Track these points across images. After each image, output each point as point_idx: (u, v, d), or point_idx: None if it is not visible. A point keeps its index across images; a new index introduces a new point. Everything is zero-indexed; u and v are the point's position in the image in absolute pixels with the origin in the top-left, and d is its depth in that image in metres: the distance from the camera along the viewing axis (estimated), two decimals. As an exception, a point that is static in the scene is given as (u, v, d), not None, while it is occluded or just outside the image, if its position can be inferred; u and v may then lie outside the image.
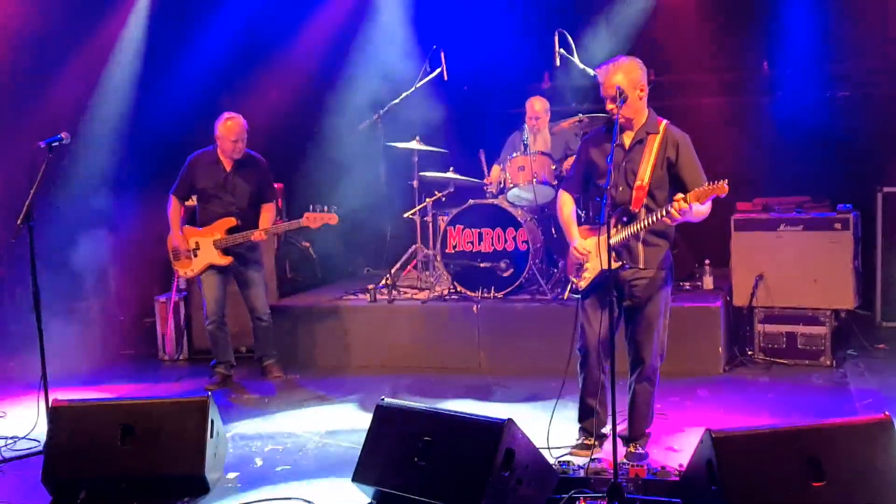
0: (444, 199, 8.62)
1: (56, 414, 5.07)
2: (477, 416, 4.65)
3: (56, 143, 5.99)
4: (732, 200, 7.92)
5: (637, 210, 4.97)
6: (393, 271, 8.52)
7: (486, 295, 7.79)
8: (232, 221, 7.16)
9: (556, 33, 7.84)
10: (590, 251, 5.13)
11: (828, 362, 7.21)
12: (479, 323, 7.65)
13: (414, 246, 8.74)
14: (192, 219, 7.43)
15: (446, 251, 8.03)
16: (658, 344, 5.15)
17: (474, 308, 7.67)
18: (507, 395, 6.87)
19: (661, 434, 5.68)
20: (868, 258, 7.93)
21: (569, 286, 5.77)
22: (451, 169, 8.52)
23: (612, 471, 4.55)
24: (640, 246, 5.05)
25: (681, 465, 4.70)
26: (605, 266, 4.64)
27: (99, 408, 5.16)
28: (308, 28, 9.96)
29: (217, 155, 7.20)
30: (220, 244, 7.14)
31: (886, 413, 4.17)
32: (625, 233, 4.98)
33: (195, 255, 7.22)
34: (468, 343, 7.68)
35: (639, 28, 9.08)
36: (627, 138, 5.06)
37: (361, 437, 4.84)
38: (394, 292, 8.27)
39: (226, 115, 7.17)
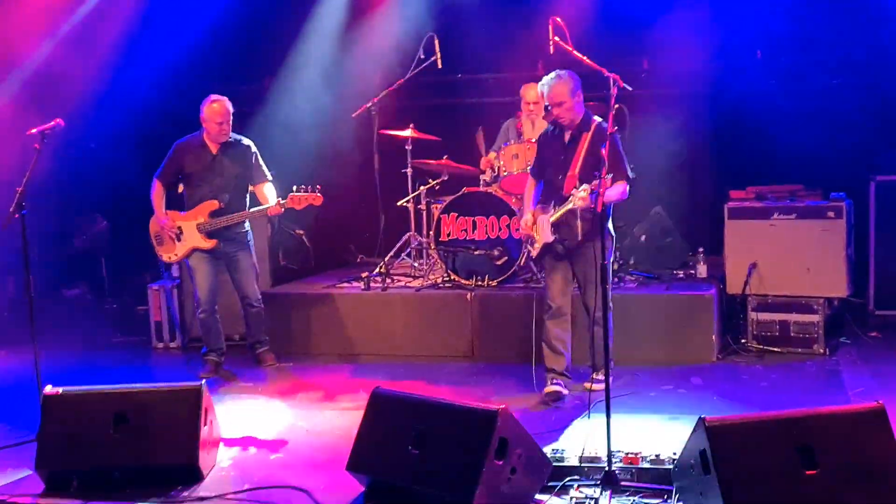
0: (437, 187, 8.61)
1: (48, 403, 5.05)
2: (471, 404, 4.65)
3: (49, 130, 5.96)
4: (726, 189, 7.95)
5: (568, 194, 5.89)
6: (386, 259, 8.51)
7: (479, 283, 7.79)
8: (215, 204, 7.12)
9: (551, 21, 7.81)
10: (532, 226, 6.21)
11: (821, 350, 7.23)
12: (473, 311, 7.65)
13: (408, 234, 8.73)
14: (177, 206, 7.36)
15: (440, 239, 8.02)
16: (600, 298, 5.54)
17: (468, 296, 7.67)
18: (501, 383, 6.87)
19: (654, 422, 5.69)
20: (861, 246, 7.94)
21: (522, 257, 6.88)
22: (445, 157, 8.51)
23: (605, 459, 4.57)
24: (579, 223, 5.97)
25: (674, 453, 4.70)
26: (546, 240, 6.10)
27: (91, 396, 5.14)
28: (301, 14, 9.91)
29: (203, 139, 7.17)
30: (204, 227, 7.10)
31: (879, 401, 4.18)
32: (559, 212, 5.99)
33: (178, 240, 7.18)
34: (462, 331, 7.68)
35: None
36: (567, 135, 6.11)
37: (355, 426, 4.84)
38: (387, 280, 8.26)
39: (211, 97, 7.13)
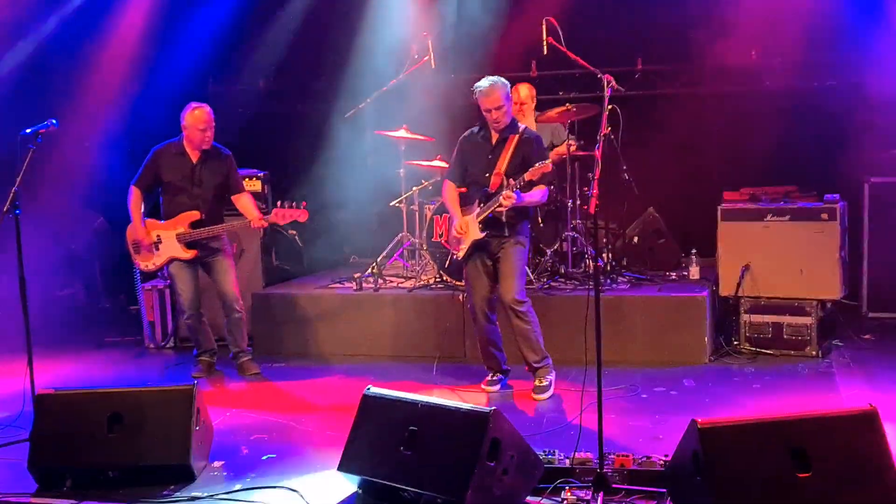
0: (430, 187, 8.62)
1: (41, 402, 5.06)
2: (463, 405, 4.66)
3: (43, 130, 5.95)
4: (719, 190, 7.97)
5: (494, 191, 6.28)
6: (379, 260, 8.52)
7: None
8: (196, 215, 7.03)
9: (544, 21, 7.82)
10: (466, 229, 6.40)
11: (813, 353, 7.24)
12: (465, 312, 7.65)
13: (400, 234, 8.74)
14: (154, 212, 7.34)
15: (432, 240, 8.03)
16: (518, 289, 6.33)
17: (460, 297, 7.68)
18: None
19: (646, 424, 5.71)
20: (855, 248, 7.97)
21: (448, 260, 7.14)
22: (439, 157, 8.52)
23: (597, 461, 4.58)
24: (504, 218, 6.29)
25: (666, 455, 4.72)
26: (476, 237, 6.34)
27: (85, 396, 5.14)
28: (295, 14, 9.91)
29: (183, 146, 7.06)
30: (184, 238, 7.02)
31: (871, 404, 4.19)
32: (487, 210, 6.28)
33: (157, 249, 7.10)
34: (454, 332, 7.68)
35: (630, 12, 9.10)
36: (494, 137, 6.40)
37: (347, 427, 4.85)
38: (380, 281, 8.27)
39: (192, 104, 7.03)
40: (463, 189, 6.63)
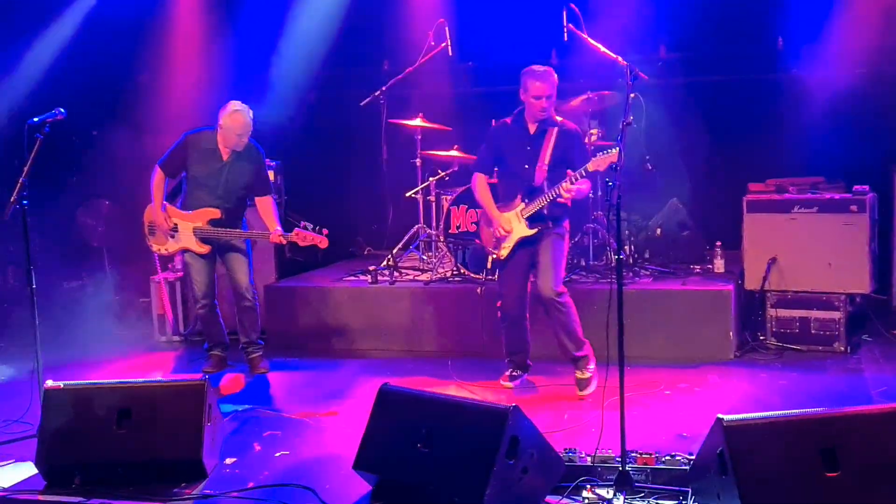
0: (447, 178, 8.60)
1: (49, 397, 5.06)
2: (481, 401, 4.66)
3: (51, 120, 5.96)
4: (744, 181, 7.92)
5: (539, 185, 6.23)
6: (394, 252, 8.51)
7: (490, 277, 7.77)
8: (216, 214, 6.99)
9: (565, 8, 7.78)
10: (511, 226, 6.33)
11: (842, 348, 7.20)
12: (483, 306, 7.63)
13: (416, 226, 8.72)
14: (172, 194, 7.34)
15: (449, 232, 8.02)
16: (558, 280, 6.33)
17: (478, 290, 7.66)
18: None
19: (670, 421, 5.68)
20: (885, 241, 7.89)
21: (490, 258, 6.62)
22: (456, 147, 8.50)
23: (619, 459, 4.56)
24: (546, 213, 6.28)
25: (690, 454, 4.70)
26: (523, 234, 6.28)
27: (93, 391, 5.14)
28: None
29: (216, 141, 6.98)
30: (200, 233, 7.00)
31: (903, 402, 4.16)
32: (534, 206, 6.21)
33: (172, 237, 7.09)
34: (472, 326, 7.67)
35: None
36: (532, 128, 6.33)
37: (362, 424, 4.84)
38: (395, 274, 8.26)
39: (232, 105, 6.91)
40: (493, 180, 6.58)
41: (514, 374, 6.64)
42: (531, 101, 6.21)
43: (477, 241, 7.12)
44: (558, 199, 6.14)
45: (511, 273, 6.45)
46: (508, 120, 6.47)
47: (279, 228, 7.00)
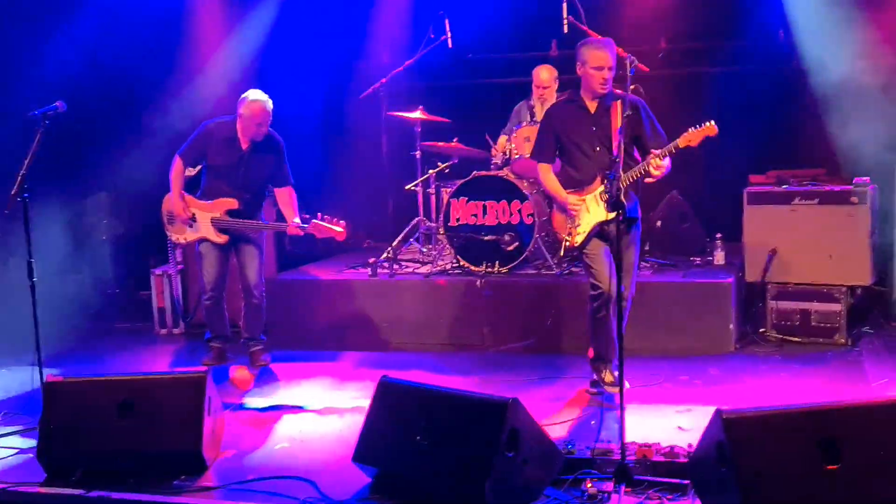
0: (447, 170, 8.61)
1: (51, 391, 5.07)
2: (481, 394, 4.66)
3: (51, 112, 5.96)
4: (745, 173, 7.92)
5: (616, 165, 5.52)
6: (394, 245, 8.51)
7: (490, 269, 7.78)
8: (234, 204, 6.96)
9: (565, 0, 7.79)
10: (587, 208, 5.90)
11: (842, 341, 7.20)
12: (484, 298, 7.65)
13: (416, 219, 8.73)
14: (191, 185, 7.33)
15: (449, 224, 8.01)
16: (633, 283, 6.05)
17: (478, 283, 7.67)
18: (512, 372, 6.87)
19: (670, 414, 5.69)
20: (886, 233, 7.89)
21: (562, 246, 6.09)
22: (455, 139, 8.50)
23: (619, 452, 4.57)
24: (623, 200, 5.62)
25: (690, 446, 4.71)
26: (603, 218, 5.80)
27: (94, 384, 5.16)
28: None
29: (236, 131, 6.95)
30: (218, 223, 6.98)
31: (903, 394, 4.17)
32: (615, 187, 5.46)
33: (190, 227, 7.09)
34: (472, 319, 7.68)
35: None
36: (593, 106, 5.92)
37: (362, 416, 4.85)
38: (395, 266, 8.26)
39: (251, 94, 6.87)
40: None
41: (615, 376, 5.96)
42: (591, 74, 5.76)
43: (556, 230, 6.20)
44: (646, 179, 5.79)
45: (598, 259, 5.90)
46: (562, 102, 6.14)
47: (298, 220, 6.97)
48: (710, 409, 4.25)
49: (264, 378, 7.05)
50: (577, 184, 5.96)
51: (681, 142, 5.65)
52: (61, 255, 8.73)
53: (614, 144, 5.67)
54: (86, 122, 8.57)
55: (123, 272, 9.43)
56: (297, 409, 6.21)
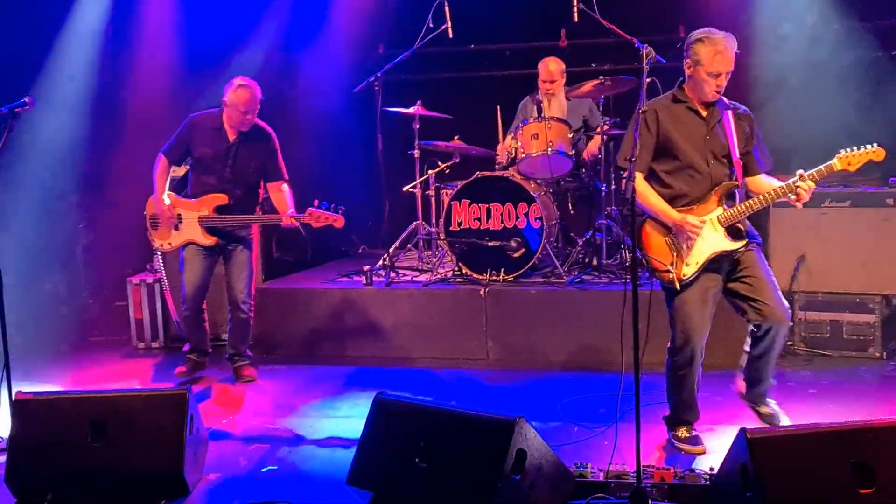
0: (447, 170, 8.62)
1: (20, 408, 5.07)
2: (485, 413, 4.66)
3: (19, 109, 5.97)
4: (770, 172, 7.91)
5: (741, 184, 5.34)
6: (391, 251, 8.52)
7: (494, 277, 7.79)
8: (223, 199, 6.98)
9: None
10: (703, 235, 5.29)
11: (877, 354, 7.21)
12: (488, 309, 7.65)
13: (415, 223, 8.74)
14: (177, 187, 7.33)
15: (451, 229, 8.03)
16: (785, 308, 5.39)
17: (482, 292, 7.68)
18: (519, 389, 6.88)
19: (689, 433, 5.69)
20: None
21: (661, 277, 5.40)
22: (457, 137, 8.51)
23: (634, 475, 4.56)
24: (743, 226, 5.38)
25: (711, 469, 4.71)
26: (723, 248, 5.27)
27: (67, 401, 5.16)
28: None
29: (222, 121, 6.99)
30: (206, 222, 6.99)
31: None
32: (739, 210, 5.28)
33: (176, 229, 7.08)
34: (475, 331, 7.69)
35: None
36: (704, 111, 5.37)
37: (357, 436, 4.85)
38: (392, 274, 8.27)
39: (238, 80, 6.91)
40: None
41: (692, 434, 5.58)
42: (704, 79, 5.24)
43: (652, 257, 5.44)
44: (796, 202, 5.27)
45: (695, 303, 5.36)
46: (667, 100, 5.48)
47: (292, 210, 6.96)
48: (734, 429, 4.26)
49: (251, 395, 7.05)
50: (680, 202, 5.37)
51: (838, 164, 5.20)
52: (31, 263, 8.73)
53: (734, 158, 5.33)
54: (58, 121, 8.61)
55: (98, 281, 9.44)
56: (286, 429, 6.20)
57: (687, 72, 5.34)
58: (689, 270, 5.32)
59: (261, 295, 8.27)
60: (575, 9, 7.82)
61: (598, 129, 8.22)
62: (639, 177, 5.35)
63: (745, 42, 8.99)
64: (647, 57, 5.02)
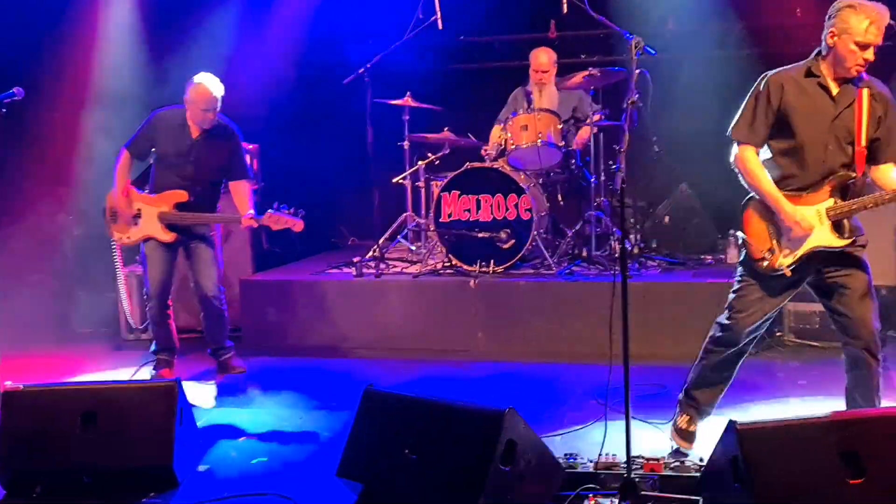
0: (437, 162, 8.61)
1: (9, 400, 5.05)
2: (474, 404, 4.65)
3: (8, 100, 5.94)
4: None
5: (860, 176, 4.82)
6: (381, 242, 8.51)
7: (484, 269, 7.78)
8: (183, 196, 6.89)
9: (565, -24, 7.79)
10: (810, 227, 4.82)
11: (865, 345, 7.19)
12: (477, 300, 7.65)
13: (404, 214, 8.73)
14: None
15: (440, 220, 8.01)
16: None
17: (472, 283, 7.67)
18: (509, 380, 6.88)
19: (679, 424, 5.69)
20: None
21: (757, 260, 4.95)
22: (446, 129, 8.50)
23: (624, 466, 4.56)
24: (851, 222, 4.93)
25: (701, 460, 4.71)
26: (827, 243, 4.83)
27: (56, 393, 5.15)
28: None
29: (185, 118, 6.92)
30: (166, 218, 6.89)
31: (931, 403, 4.17)
32: (848, 207, 4.82)
33: (136, 223, 6.99)
34: (465, 323, 7.68)
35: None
36: (835, 88, 4.80)
37: (346, 428, 4.84)
38: (382, 266, 8.26)
39: (197, 78, 6.83)
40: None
41: (689, 427, 5.32)
42: (849, 50, 4.65)
43: (753, 247, 4.99)
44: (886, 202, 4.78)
45: (773, 291, 5.02)
46: (799, 72, 4.87)
47: (252, 212, 6.91)
48: (723, 420, 4.25)
49: (240, 387, 7.03)
50: (789, 185, 4.90)
51: None
52: (19, 255, 8.70)
53: (857, 147, 4.77)
54: (47, 112, 8.58)
55: (87, 273, 9.40)
56: (276, 420, 6.19)
57: (828, 41, 4.70)
58: (785, 261, 4.88)
59: (250, 287, 8.27)
60: (564, 0, 7.80)
61: (588, 120, 8.20)
62: (751, 151, 4.90)
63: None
64: (635, 48, 5.00)
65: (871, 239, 7.05)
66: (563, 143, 7.99)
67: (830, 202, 4.80)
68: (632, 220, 8.43)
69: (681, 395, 5.39)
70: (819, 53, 4.83)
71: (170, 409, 4.99)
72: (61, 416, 4.99)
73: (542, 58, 8.36)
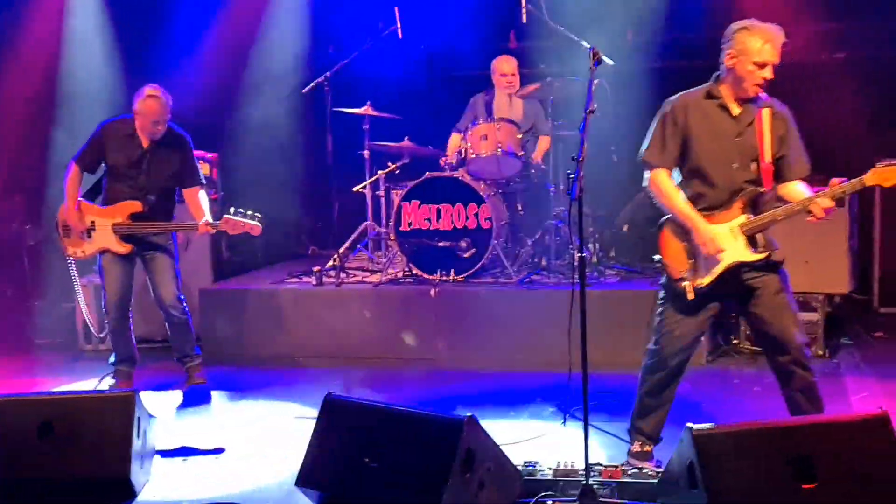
0: (397, 171, 8.61)
1: (-37, 411, 5.01)
2: (434, 412, 4.66)
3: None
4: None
5: (768, 191, 4.94)
6: (341, 252, 8.49)
7: (444, 278, 7.79)
8: (137, 206, 6.81)
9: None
10: (723, 244, 4.88)
11: (820, 352, 7.27)
12: (438, 309, 7.66)
13: (364, 223, 8.72)
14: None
15: (401, 229, 8.01)
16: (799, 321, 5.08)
17: (432, 292, 7.67)
18: (469, 389, 6.89)
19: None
20: (865, 238, 8.00)
21: (677, 283, 4.98)
22: (406, 138, 8.50)
23: (583, 473, 4.58)
24: (766, 237, 5.01)
25: (659, 466, 4.74)
26: (743, 258, 4.88)
27: (11, 404, 5.09)
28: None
29: (135, 127, 6.83)
30: (121, 230, 6.81)
31: (883, 408, 4.21)
32: (762, 220, 4.91)
33: (89, 236, 6.92)
34: (426, 331, 7.69)
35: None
36: (736, 108, 4.95)
37: (306, 437, 4.83)
38: (342, 275, 8.24)
39: (147, 89, 6.75)
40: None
41: (646, 449, 5.23)
42: (748, 70, 4.79)
43: (668, 262, 5.07)
44: (810, 218, 4.93)
45: (693, 310, 5.05)
46: (699, 95, 5.06)
47: (208, 218, 6.85)
48: (681, 426, 4.28)
49: (200, 397, 6.99)
50: (699, 205, 4.97)
51: (869, 179, 4.80)
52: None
53: (762, 163, 4.89)
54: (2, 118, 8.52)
55: (44, 282, 9.33)
56: (235, 430, 6.16)
57: (727, 63, 4.88)
58: (704, 280, 4.92)
59: (209, 296, 8.22)
60: (523, 10, 7.84)
61: (547, 133, 8.25)
62: (664, 174, 5.03)
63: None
64: (594, 58, 5.01)
65: (825, 248, 7.23)
66: (523, 152, 8.02)
67: (743, 218, 4.89)
68: (590, 229, 8.46)
69: (629, 426, 5.36)
70: (718, 77, 5.01)
71: (127, 419, 4.94)
72: (17, 427, 4.92)
73: (505, 66, 8.39)
